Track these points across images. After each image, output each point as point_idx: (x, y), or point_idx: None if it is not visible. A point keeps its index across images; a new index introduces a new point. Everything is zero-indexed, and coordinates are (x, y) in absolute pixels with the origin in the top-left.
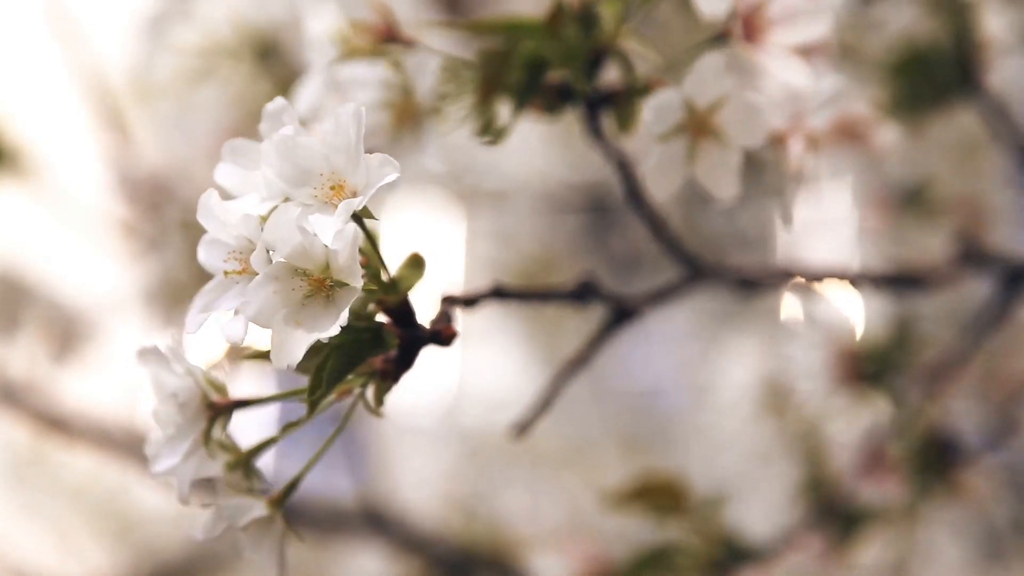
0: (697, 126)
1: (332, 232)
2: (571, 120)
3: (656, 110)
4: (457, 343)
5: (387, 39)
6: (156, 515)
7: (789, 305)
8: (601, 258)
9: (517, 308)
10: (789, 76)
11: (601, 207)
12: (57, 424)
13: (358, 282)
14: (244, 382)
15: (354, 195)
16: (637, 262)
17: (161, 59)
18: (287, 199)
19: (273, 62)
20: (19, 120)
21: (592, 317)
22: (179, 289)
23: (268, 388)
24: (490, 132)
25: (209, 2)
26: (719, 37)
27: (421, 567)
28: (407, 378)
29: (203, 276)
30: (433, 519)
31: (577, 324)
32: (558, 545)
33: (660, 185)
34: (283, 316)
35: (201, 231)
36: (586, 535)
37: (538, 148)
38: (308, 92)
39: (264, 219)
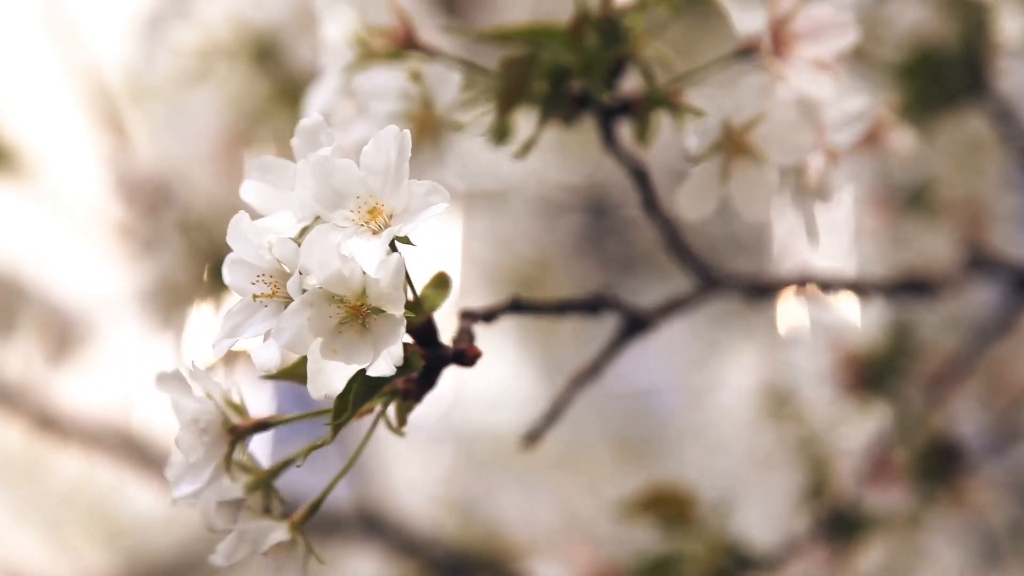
0: (733, 145)
1: (376, 260)
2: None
3: (700, 134)
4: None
5: (406, 45)
6: (149, 517)
7: (791, 310)
8: (598, 260)
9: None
10: (815, 90)
11: (598, 209)
12: (51, 425)
13: (399, 310)
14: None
15: (390, 218)
16: (633, 264)
17: (159, 59)
18: (318, 219)
19: (271, 63)
20: (16, 120)
21: (590, 323)
22: (176, 291)
23: (265, 399)
24: (504, 141)
25: (207, 2)
26: (744, 51)
27: (417, 570)
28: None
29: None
30: (429, 522)
31: (573, 329)
32: (559, 551)
33: (695, 205)
34: (319, 345)
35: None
36: (585, 540)
37: (535, 150)
38: (321, 96)
39: (297, 241)
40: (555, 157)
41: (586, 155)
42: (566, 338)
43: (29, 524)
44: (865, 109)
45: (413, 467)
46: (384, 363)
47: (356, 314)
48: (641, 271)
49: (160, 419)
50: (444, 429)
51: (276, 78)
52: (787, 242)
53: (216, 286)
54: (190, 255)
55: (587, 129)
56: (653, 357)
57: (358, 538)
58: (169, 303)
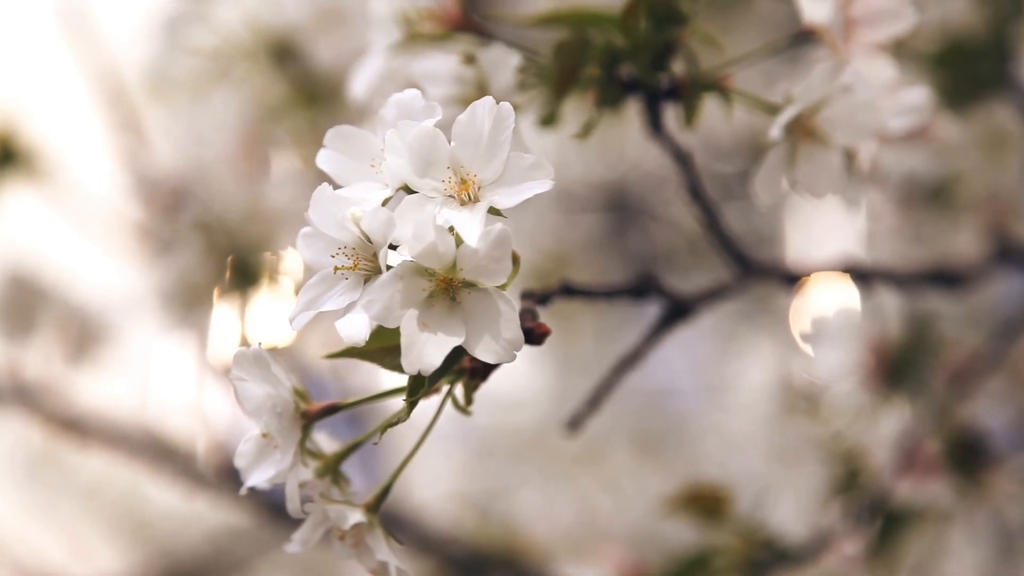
0: (800, 128)
1: (477, 231)
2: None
3: (780, 120)
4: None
5: (457, 27)
6: (168, 515)
7: (814, 304)
8: (618, 257)
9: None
10: (877, 73)
11: (619, 206)
12: (71, 425)
13: (497, 283)
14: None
15: (479, 190)
16: (654, 261)
17: (177, 60)
18: (400, 189)
19: (289, 64)
20: (35, 121)
21: (609, 319)
22: (194, 290)
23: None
24: (554, 125)
25: (225, 3)
26: (799, 37)
27: (435, 566)
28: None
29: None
30: (446, 518)
31: (592, 325)
32: (588, 551)
33: (766, 189)
34: (411, 318)
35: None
36: (605, 537)
37: (555, 146)
38: (367, 72)
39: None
40: (577, 153)
41: (609, 151)
42: (585, 336)
43: (50, 523)
44: (924, 102)
45: (431, 464)
46: (501, 348)
47: (446, 288)
48: (662, 268)
49: (177, 416)
50: (462, 427)
51: (294, 79)
52: (800, 234)
53: (238, 283)
54: (208, 255)
55: (611, 125)
56: (672, 355)
57: None
58: (188, 302)
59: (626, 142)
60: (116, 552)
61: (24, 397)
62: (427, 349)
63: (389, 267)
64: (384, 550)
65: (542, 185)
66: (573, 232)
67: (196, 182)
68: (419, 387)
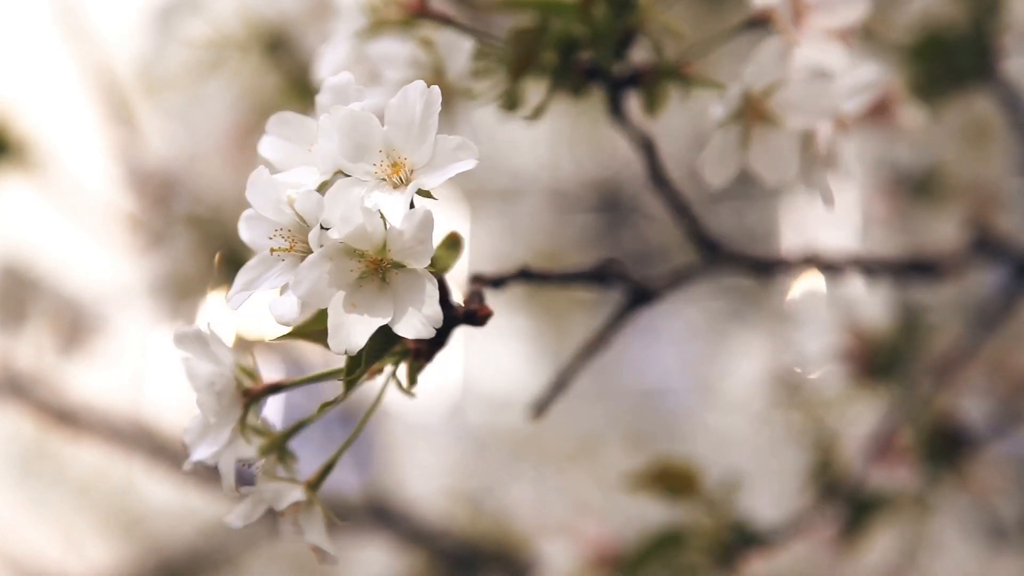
0: (752, 111)
1: (401, 213)
2: (582, 116)
3: (723, 102)
4: (461, 338)
5: (418, 13)
6: (162, 509)
7: (798, 292)
8: (612, 254)
9: (523, 303)
10: (827, 59)
11: (611, 204)
12: (63, 417)
13: (422, 265)
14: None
15: (412, 173)
16: (646, 259)
17: (170, 51)
18: (338, 173)
19: (282, 55)
20: (27, 113)
21: (602, 316)
22: (185, 282)
23: (273, 369)
24: (515, 109)
25: None
26: (754, 22)
27: (427, 560)
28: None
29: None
30: (439, 513)
31: (583, 319)
32: (565, 530)
33: (717, 172)
34: (340, 299)
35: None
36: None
37: (547, 144)
38: (332, 60)
39: (320, 193)
40: (568, 152)
41: (600, 150)
42: (577, 331)
43: (42, 516)
44: (875, 79)
45: (424, 459)
46: (420, 324)
47: (376, 268)
48: (654, 266)
49: (171, 409)
50: (454, 422)
51: (287, 70)
52: (795, 231)
53: (227, 275)
54: (200, 246)
55: (602, 124)
56: (663, 353)
57: (368, 528)
58: (179, 294)
59: (618, 140)
60: (109, 547)
61: (16, 389)
62: (354, 329)
63: (323, 246)
64: (316, 532)
65: (466, 164)
66: (566, 230)
67: (188, 173)
68: (355, 367)
